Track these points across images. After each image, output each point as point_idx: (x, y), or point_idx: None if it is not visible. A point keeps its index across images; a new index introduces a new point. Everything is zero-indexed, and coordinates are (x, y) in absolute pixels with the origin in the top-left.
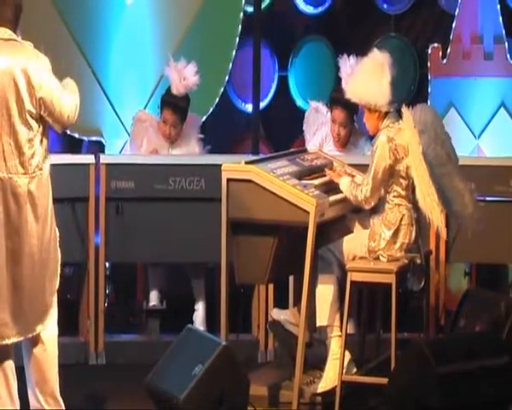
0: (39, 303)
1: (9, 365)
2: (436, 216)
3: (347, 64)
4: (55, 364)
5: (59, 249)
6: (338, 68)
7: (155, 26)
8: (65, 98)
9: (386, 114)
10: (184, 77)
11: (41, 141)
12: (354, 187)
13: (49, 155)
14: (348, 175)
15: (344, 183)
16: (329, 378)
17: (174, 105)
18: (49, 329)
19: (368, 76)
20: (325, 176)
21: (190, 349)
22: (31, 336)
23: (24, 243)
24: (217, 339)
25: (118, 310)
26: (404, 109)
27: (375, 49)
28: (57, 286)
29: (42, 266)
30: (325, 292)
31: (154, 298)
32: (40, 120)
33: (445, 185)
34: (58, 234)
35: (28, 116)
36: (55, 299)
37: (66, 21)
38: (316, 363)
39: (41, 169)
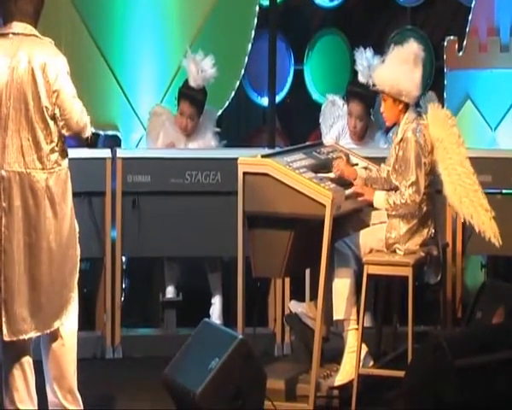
0: (58, 299)
1: (27, 360)
2: (482, 221)
3: (364, 57)
4: (73, 359)
5: (78, 245)
6: (354, 61)
7: (172, 18)
8: (76, 103)
9: (407, 106)
10: (202, 69)
11: (59, 137)
12: (390, 195)
13: (68, 152)
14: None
15: (379, 198)
16: (346, 372)
17: (192, 97)
18: (67, 324)
19: (402, 65)
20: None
21: (207, 343)
22: (48, 331)
23: (42, 239)
24: (233, 333)
25: (134, 304)
26: (435, 107)
27: (412, 40)
28: (76, 282)
29: (60, 261)
30: (342, 286)
31: (170, 292)
32: (53, 119)
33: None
34: (78, 230)
35: (45, 112)
36: (74, 295)
37: (82, 16)
38: (332, 356)
39: (60, 165)
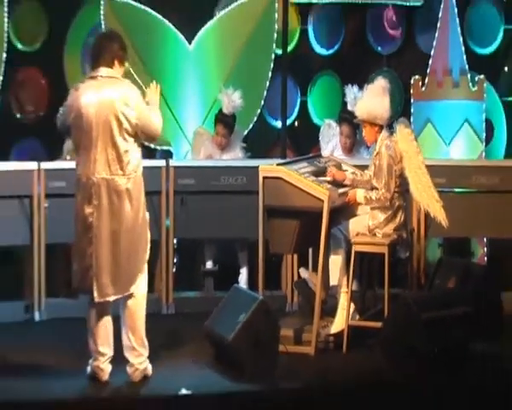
0: (133, 270)
1: (107, 315)
2: (435, 208)
3: (351, 92)
4: (143, 314)
5: (149, 231)
6: (344, 95)
7: (210, 64)
8: (154, 117)
9: (382, 128)
10: (232, 101)
11: (135, 151)
12: (367, 193)
13: (142, 161)
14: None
15: (359, 194)
16: (339, 323)
17: (225, 121)
18: (140, 287)
19: (374, 97)
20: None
21: (236, 302)
22: (126, 294)
23: (122, 226)
24: (256, 295)
25: (182, 273)
26: (402, 127)
27: (380, 77)
28: (147, 257)
29: (135, 242)
30: (336, 261)
31: (209, 264)
32: (135, 135)
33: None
34: (148, 219)
35: (125, 133)
36: (145, 267)
37: (145, 63)
38: (329, 312)
39: (135, 172)
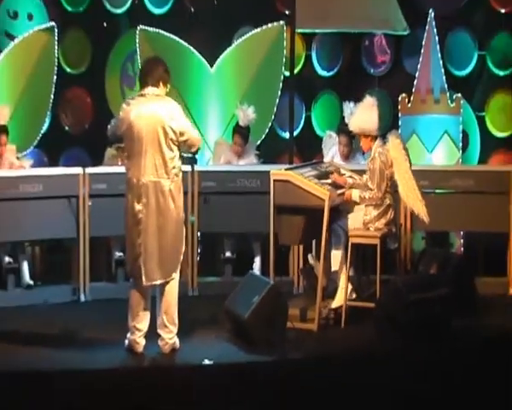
0: (174, 258)
1: (147, 298)
2: (418, 207)
3: (348, 108)
4: (176, 297)
5: (184, 226)
6: (342, 110)
7: (228, 84)
8: (193, 130)
9: (375, 138)
10: (247, 115)
11: (177, 159)
12: (361, 192)
13: (181, 167)
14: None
15: (354, 194)
16: (339, 299)
17: (241, 132)
18: (176, 274)
19: (363, 114)
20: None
21: (251, 286)
22: (169, 279)
23: (167, 221)
24: (267, 280)
25: (205, 261)
26: (393, 138)
27: (367, 96)
28: (184, 248)
29: (176, 235)
30: (337, 251)
31: (228, 254)
32: (178, 145)
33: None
34: (184, 216)
35: (170, 142)
36: (182, 256)
37: (174, 84)
38: (329, 296)
39: (177, 176)
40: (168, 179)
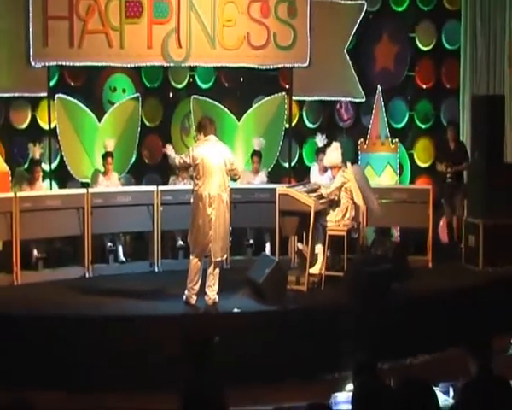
0: (225, 243)
1: (200, 268)
2: (372, 200)
3: (320, 139)
4: (218, 269)
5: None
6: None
7: (250, 132)
8: (239, 165)
9: (340, 167)
10: (260, 142)
11: (229, 180)
12: (325, 190)
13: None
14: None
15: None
16: (317, 268)
17: (257, 154)
18: None
19: (330, 155)
20: (320, 192)
21: (264, 262)
22: (224, 257)
23: (225, 220)
24: (274, 258)
25: (235, 246)
26: (349, 167)
27: (334, 143)
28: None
29: (228, 228)
30: (319, 241)
31: (250, 240)
32: (230, 173)
33: (368, 194)
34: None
35: (227, 170)
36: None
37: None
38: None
39: (227, 191)
40: (225, 193)
